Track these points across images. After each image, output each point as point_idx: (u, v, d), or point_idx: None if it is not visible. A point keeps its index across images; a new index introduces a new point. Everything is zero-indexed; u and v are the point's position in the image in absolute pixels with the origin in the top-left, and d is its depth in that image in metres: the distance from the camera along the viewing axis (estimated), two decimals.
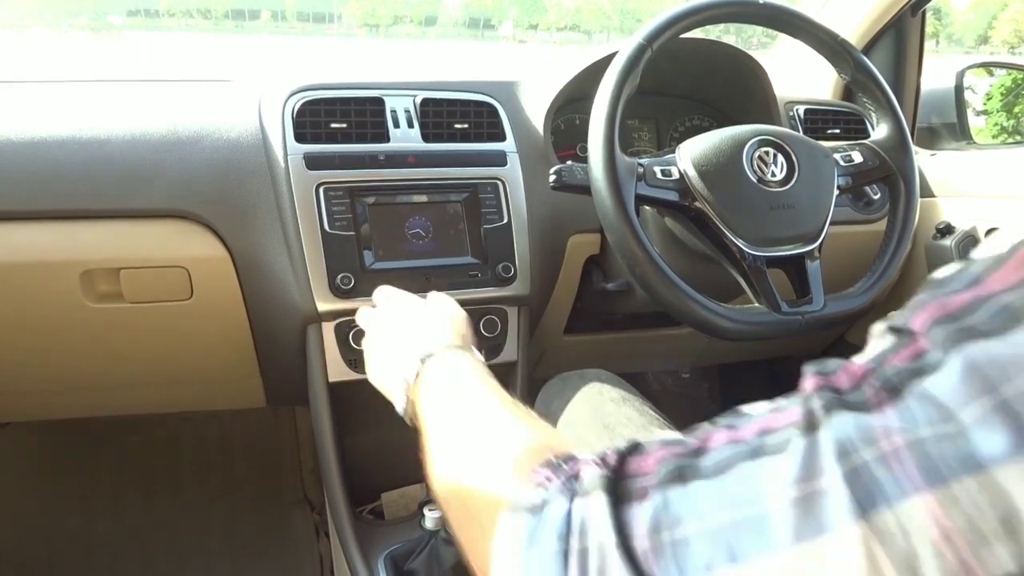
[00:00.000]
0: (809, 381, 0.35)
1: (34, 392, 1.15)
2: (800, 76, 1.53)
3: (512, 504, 0.42)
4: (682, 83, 1.28)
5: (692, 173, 0.90)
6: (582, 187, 0.90)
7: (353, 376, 1.06)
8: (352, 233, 1.01)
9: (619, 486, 0.38)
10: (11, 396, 1.15)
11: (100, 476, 1.57)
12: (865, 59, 0.98)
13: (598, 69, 0.94)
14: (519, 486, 0.44)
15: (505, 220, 1.08)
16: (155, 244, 0.98)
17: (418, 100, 1.08)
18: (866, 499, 0.29)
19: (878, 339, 0.34)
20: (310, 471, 1.60)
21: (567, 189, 0.92)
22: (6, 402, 1.18)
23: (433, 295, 0.78)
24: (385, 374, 0.71)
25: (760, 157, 0.91)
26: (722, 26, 1.04)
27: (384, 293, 0.82)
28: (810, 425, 0.32)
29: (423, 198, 1.06)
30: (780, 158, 0.92)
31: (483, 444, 0.53)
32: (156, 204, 0.97)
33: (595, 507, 0.37)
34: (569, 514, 0.38)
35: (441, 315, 0.74)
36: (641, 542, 0.34)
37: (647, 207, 0.97)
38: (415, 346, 0.67)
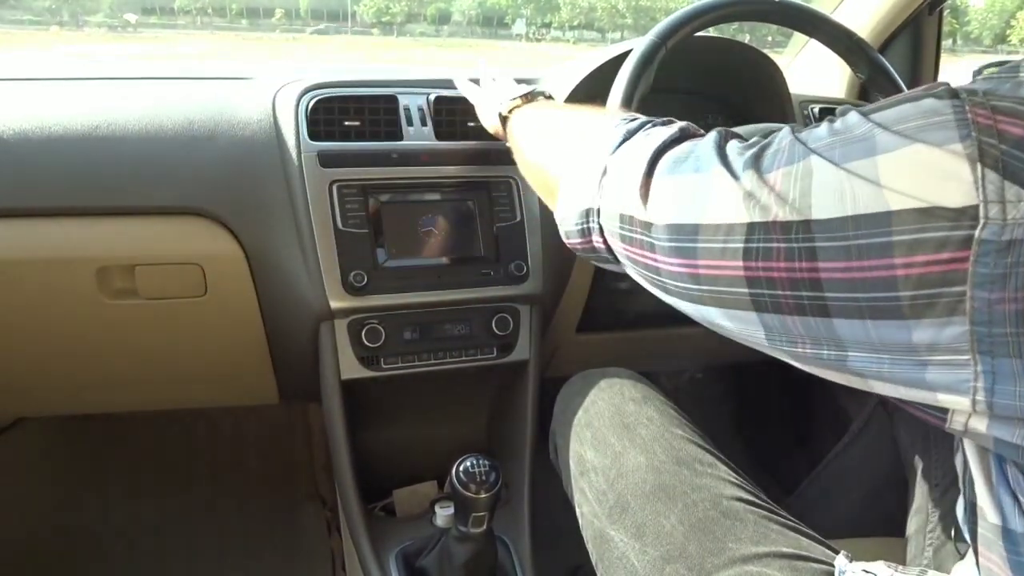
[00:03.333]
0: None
1: (50, 387, 1.16)
2: (815, 75, 1.52)
3: (614, 124, 0.64)
4: (696, 81, 1.27)
5: None
6: None
7: (366, 374, 1.06)
8: (365, 231, 1.01)
9: (690, 134, 0.58)
10: (27, 391, 1.16)
11: (115, 471, 1.58)
12: (881, 58, 0.97)
13: (612, 67, 0.94)
14: (617, 118, 0.65)
15: (518, 218, 1.08)
16: (170, 241, 0.98)
17: (431, 98, 1.09)
18: (753, 163, 0.47)
19: None
20: (322, 467, 1.61)
21: None
22: (23, 397, 1.19)
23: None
24: (493, 100, 0.94)
25: None
26: (736, 24, 1.04)
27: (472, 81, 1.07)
28: (768, 137, 0.50)
29: (436, 196, 1.06)
30: None
31: (585, 122, 0.72)
32: (171, 201, 0.97)
33: (668, 132, 0.58)
34: (643, 124, 0.61)
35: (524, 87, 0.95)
36: (668, 155, 0.55)
37: None
38: (519, 87, 0.92)
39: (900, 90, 0.97)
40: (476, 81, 1.06)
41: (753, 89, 1.27)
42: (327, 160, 1.01)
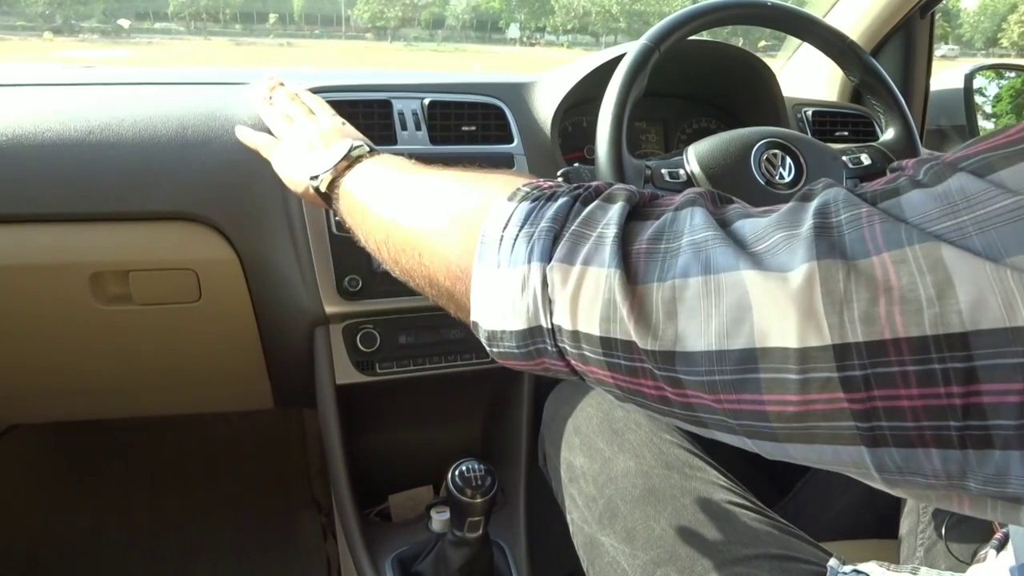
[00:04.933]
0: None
1: (44, 394, 1.16)
2: (808, 78, 1.53)
3: (509, 196, 0.48)
4: (690, 85, 1.28)
5: (700, 175, 0.89)
6: None
7: (361, 379, 1.06)
8: None
9: (639, 209, 0.43)
10: (21, 398, 1.16)
11: (109, 477, 1.57)
12: (873, 61, 0.98)
13: (606, 71, 0.94)
14: (517, 192, 0.48)
15: None
16: (164, 246, 0.98)
17: (426, 102, 1.09)
18: (826, 248, 0.33)
19: None
20: (318, 473, 1.60)
21: None
22: (16, 404, 1.19)
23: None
24: (304, 165, 0.74)
25: (768, 159, 0.91)
26: (729, 28, 1.04)
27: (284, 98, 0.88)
28: (804, 197, 0.37)
29: None
30: (788, 160, 0.92)
31: (460, 185, 0.55)
32: (164, 206, 0.97)
33: (613, 209, 0.43)
34: (572, 204, 0.44)
35: (341, 127, 0.80)
36: (639, 245, 0.40)
37: None
38: (340, 142, 0.71)
39: (892, 93, 0.97)
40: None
41: (746, 92, 1.27)
42: None
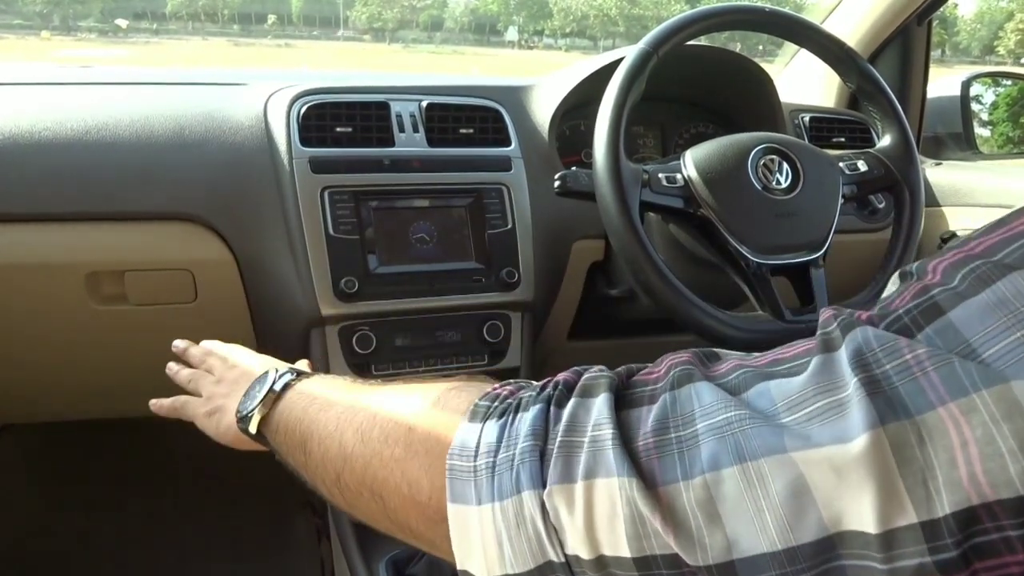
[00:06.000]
0: (825, 314, 0.34)
1: (38, 394, 1.15)
2: (805, 84, 1.53)
3: (468, 417, 0.42)
4: (687, 90, 1.28)
5: (697, 180, 0.90)
6: (586, 193, 0.90)
7: None
8: (356, 237, 1.01)
9: (624, 394, 0.38)
10: (15, 397, 1.16)
11: (103, 478, 1.57)
12: (871, 68, 0.98)
13: (604, 75, 0.94)
14: (470, 408, 0.42)
15: (509, 225, 1.08)
16: (160, 247, 0.98)
17: (424, 105, 1.09)
18: (885, 409, 0.28)
19: (889, 287, 0.34)
20: None
21: (571, 195, 0.92)
22: (10, 403, 1.18)
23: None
24: (228, 411, 0.70)
25: (765, 165, 0.91)
26: (728, 33, 1.04)
27: (202, 349, 0.83)
28: (827, 347, 0.32)
29: (427, 203, 1.06)
30: (785, 166, 0.92)
31: (406, 406, 0.47)
32: (161, 207, 0.97)
33: (596, 405, 0.37)
34: (547, 410, 0.39)
35: (265, 358, 0.74)
36: (644, 440, 0.34)
37: (652, 214, 0.97)
38: (264, 376, 0.66)
39: (889, 99, 0.98)
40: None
41: (743, 98, 1.27)
42: (319, 166, 1.00)
